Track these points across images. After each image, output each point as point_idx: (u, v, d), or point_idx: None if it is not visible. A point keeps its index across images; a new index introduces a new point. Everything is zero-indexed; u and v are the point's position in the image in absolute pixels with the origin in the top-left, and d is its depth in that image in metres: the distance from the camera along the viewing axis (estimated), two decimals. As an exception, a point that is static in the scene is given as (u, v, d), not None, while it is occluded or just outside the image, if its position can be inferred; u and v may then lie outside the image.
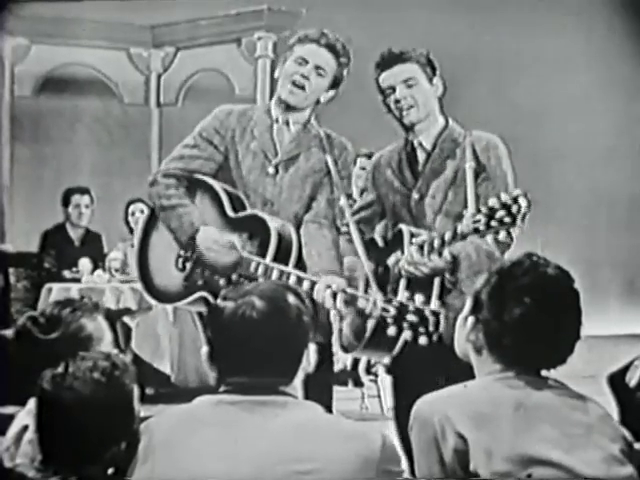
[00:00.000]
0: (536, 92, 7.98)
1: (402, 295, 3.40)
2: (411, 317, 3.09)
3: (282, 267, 3.55)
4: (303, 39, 3.76)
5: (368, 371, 6.49)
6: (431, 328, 3.05)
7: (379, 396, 6.56)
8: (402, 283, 3.51)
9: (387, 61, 3.72)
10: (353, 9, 7.81)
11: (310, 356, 2.34)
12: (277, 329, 2.29)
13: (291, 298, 2.33)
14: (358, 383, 6.54)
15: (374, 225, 3.88)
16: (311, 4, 8.06)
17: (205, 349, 2.34)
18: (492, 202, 3.19)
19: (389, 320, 3.13)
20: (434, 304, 3.11)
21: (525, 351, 2.39)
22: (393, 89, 3.70)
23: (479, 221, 3.22)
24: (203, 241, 3.66)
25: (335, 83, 3.75)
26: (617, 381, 2.66)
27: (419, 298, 3.12)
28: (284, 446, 2.22)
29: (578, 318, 2.42)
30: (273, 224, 3.63)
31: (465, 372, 2.48)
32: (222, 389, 2.31)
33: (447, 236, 3.39)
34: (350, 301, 3.41)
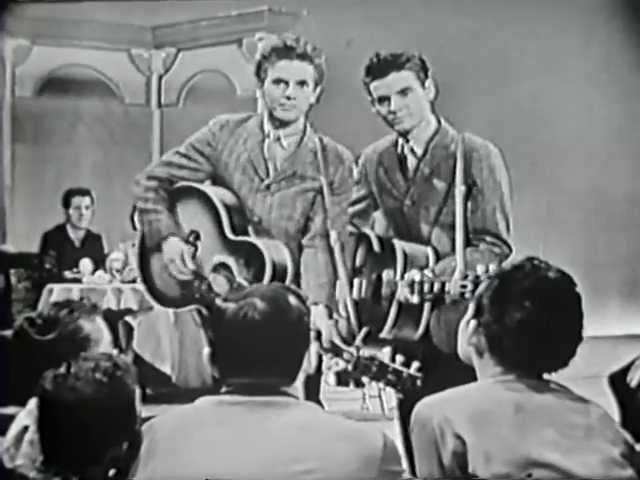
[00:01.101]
0: (535, 93, 7.98)
1: (389, 324, 3.47)
2: (390, 376, 3.20)
3: (287, 286, 3.56)
4: (270, 56, 3.71)
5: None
6: (408, 389, 3.15)
7: (380, 396, 6.56)
8: (392, 312, 3.53)
9: (380, 69, 3.63)
10: (353, 10, 7.82)
11: (311, 357, 2.35)
12: (279, 330, 2.29)
13: (292, 299, 2.34)
14: (359, 383, 6.53)
15: (369, 217, 3.88)
16: (311, 5, 8.06)
17: (207, 350, 2.35)
18: (480, 270, 3.23)
19: (370, 375, 3.23)
20: (414, 367, 3.19)
21: (526, 354, 2.39)
22: (387, 98, 3.65)
23: (465, 287, 3.28)
24: (167, 251, 3.69)
25: (317, 83, 3.74)
26: (618, 381, 2.66)
27: (399, 359, 3.20)
28: (285, 446, 2.23)
29: (580, 321, 2.43)
30: (269, 254, 3.63)
31: (467, 375, 2.48)
32: (223, 390, 2.31)
33: (436, 288, 3.41)
34: (335, 352, 3.43)
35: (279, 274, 3.63)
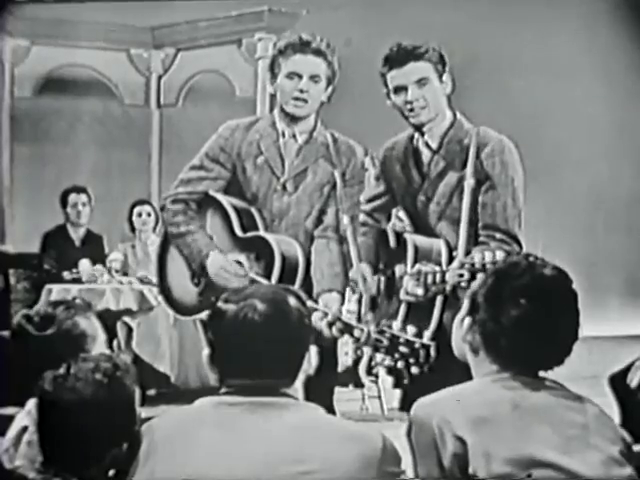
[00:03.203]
0: (536, 93, 7.98)
1: (400, 319, 3.47)
2: (402, 348, 3.17)
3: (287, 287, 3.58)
4: (285, 50, 3.74)
5: (369, 372, 6.49)
6: (421, 359, 3.12)
7: (379, 397, 6.56)
8: (402, 308, 3.54)
9: (399, 58, 3.66)
10: (353, 10, 7.81)
11: (311, 358, 2.35)
12: (278, 331, 2.29)
13: (292, 301, 2.35)
14: (358, 384, 6.54)
15: (389, 212, 3.89)
16: (311, 5, 8.06)
17: (206, 351, 2.35)
18: (476, 258, 3.24)
19: (382, 350, 3.20)
20: (426, 336, 3.17)
21: (522, 352, 2.38)
22: (404, 88, 3.66)
23: (462, 276, 3.29)
24: (212, 267, 3.71)
25: (330, 81, 3.76)
26: (618, 382, 2.66)
27: (411, 330, 3.18)
28: (285, 447, 2.22)
29: (576, 319, 2.42)
30: (278, 246, 3.66)
31: (468, 373, 2.48)
32: (223, 391, 2.32)
33: (438, 277, 3.42)
34: (345, 329, 3.43)
35: (289, 266, 3.67)
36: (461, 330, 2.46)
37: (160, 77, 9.22)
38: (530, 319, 2.36)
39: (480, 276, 2.49)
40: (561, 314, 2.40)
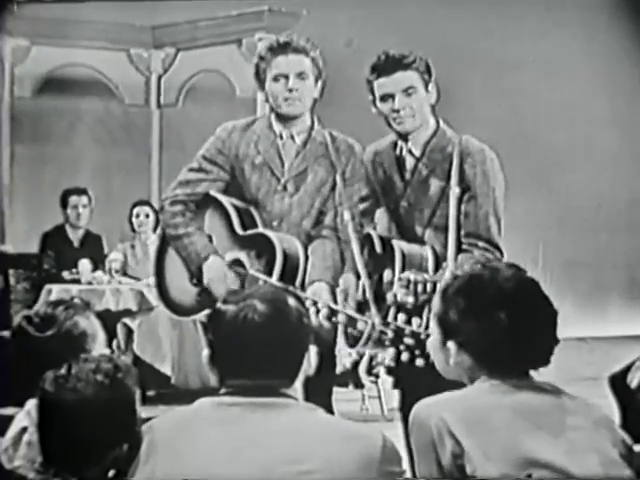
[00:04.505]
0: (537, 94, 7.99)
1: (392, 318, 3.47)
2: (408, 340, 3.17)
3: (286, 287, 3.58)
4: (266, 55, 3.75)
5: (369, 372, 6.50)
6: (427, 351, 3.13)
7: (379, 397, 6.56)
8: (392, 311, 3.54)
9: (387, 67, 3.70)
10: (353, 10, 7.82)
11: (311, 358, 2.35)
12: (278, 332, 2.29)
13: (292, 301, 2.35)
14: (359, 384, 6.54)
15: (373, 216, 3.91)
16: (311, 5, 8.06)
17: (206, 352, 2.35)
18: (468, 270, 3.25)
19: (387, 342, 3.20)
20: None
21: (516, 356, 2.38)
22: (391, 97, 3.70)
23: None
24: (208, 272, 3.71)
25: (317, 77, 3.77)
26: (618, 382, 2.66)
27: (416, 321, 3.18)
28: (285, 447, 2.23)
29: (550, 303, 2.42)
30: (279, 243, 3.66)
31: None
32: (223, 391, 2.32)
33: (429, 287, 3.43)
34: (349, 322, 3.44)
35: (291, 263, 3.66)
36: (444, 356, 2.45)
37: (160, 77, 9.22)
38: (515, 321, 2.36)
39: (436, 299, 2.48)
40: (539, 305, 2.41)
